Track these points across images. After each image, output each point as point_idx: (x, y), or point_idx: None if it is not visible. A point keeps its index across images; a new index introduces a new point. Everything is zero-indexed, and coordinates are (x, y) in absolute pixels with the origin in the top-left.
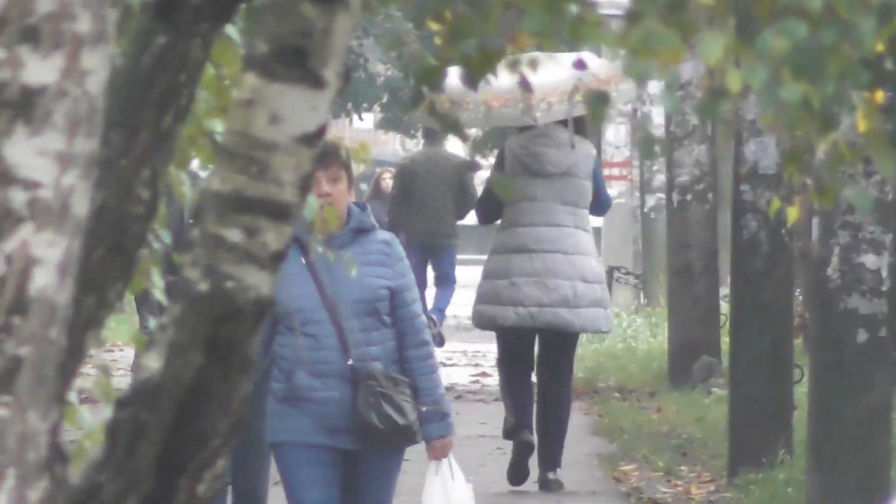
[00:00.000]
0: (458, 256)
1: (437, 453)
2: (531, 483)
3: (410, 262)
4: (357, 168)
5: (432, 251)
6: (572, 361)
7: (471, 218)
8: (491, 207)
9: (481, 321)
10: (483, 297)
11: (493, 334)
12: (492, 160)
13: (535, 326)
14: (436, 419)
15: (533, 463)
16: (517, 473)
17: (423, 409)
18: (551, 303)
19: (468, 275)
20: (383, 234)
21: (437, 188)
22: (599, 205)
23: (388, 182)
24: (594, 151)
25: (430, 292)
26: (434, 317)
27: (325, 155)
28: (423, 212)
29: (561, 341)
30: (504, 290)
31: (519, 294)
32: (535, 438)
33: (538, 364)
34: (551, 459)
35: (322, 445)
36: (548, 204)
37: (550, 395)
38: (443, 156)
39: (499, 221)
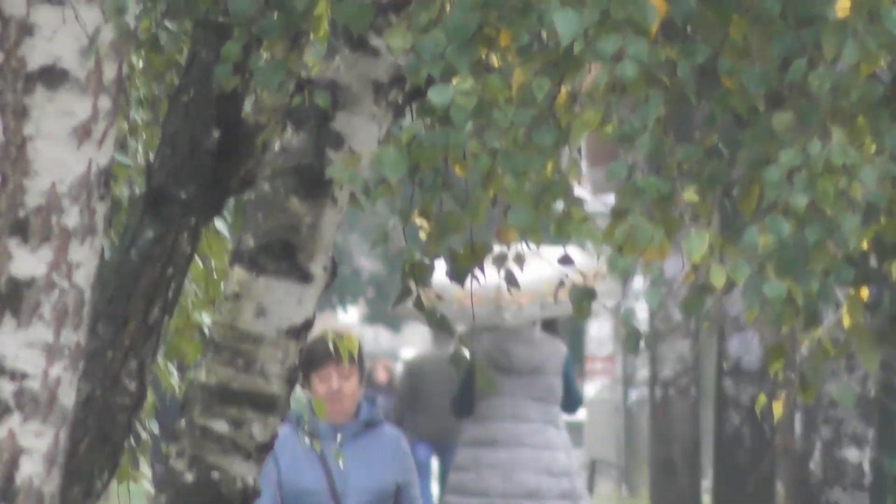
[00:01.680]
0: None
1: None
2: None
3: (417, 457)
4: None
5: (439, 447)
6: None
7: None
8: (466, 402)
9: None
10: (451, 488)
11: None
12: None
13: None
14: None
15: None
16: None
17: None
18: (514, 495)
19: None
20: (392, 429)
21: (445, 388)
22: (570, 401)
23: (380, 374)
24: (564, 349)
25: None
26: None
27: (338, 349)
28: (429, 410)
29: None
30: (471, 483)
31: (485, 486)
32: None
33: None
34: None
35: None
36: (517, 400)
37: None
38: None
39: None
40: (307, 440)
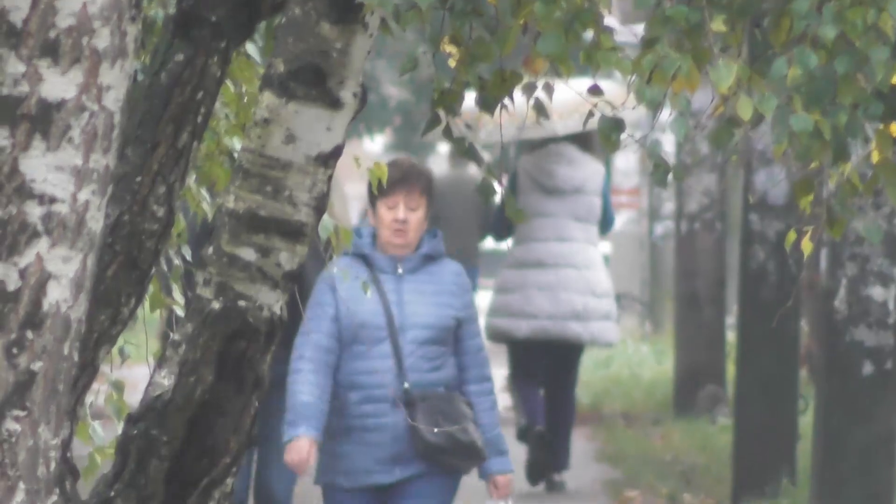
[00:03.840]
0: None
1: (501, 490)
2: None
3: None
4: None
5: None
6: (577, 372)
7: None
8: (505, 224)
9: (495, 334)
10: (497, 311)
11: (501, 358)
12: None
13: (547, 339)
14: (495, 454)
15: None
16: (535, 468)
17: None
18: (563, 315)
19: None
20: (453, 264)
21: (464, 209)
22: (604, 222)
23: None
24: (603, 168)
25: None
26: None
27: (407, 180)
28: (448, 232)
29: (569, 353)
30: (516, 303)
31: (531, 307)
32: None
33: (547, 377)
34: (558, 462)
35: (375, 487)
36: (560, 220)
37: (557, 404)
38: (469, 177)
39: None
40: (367, 273)
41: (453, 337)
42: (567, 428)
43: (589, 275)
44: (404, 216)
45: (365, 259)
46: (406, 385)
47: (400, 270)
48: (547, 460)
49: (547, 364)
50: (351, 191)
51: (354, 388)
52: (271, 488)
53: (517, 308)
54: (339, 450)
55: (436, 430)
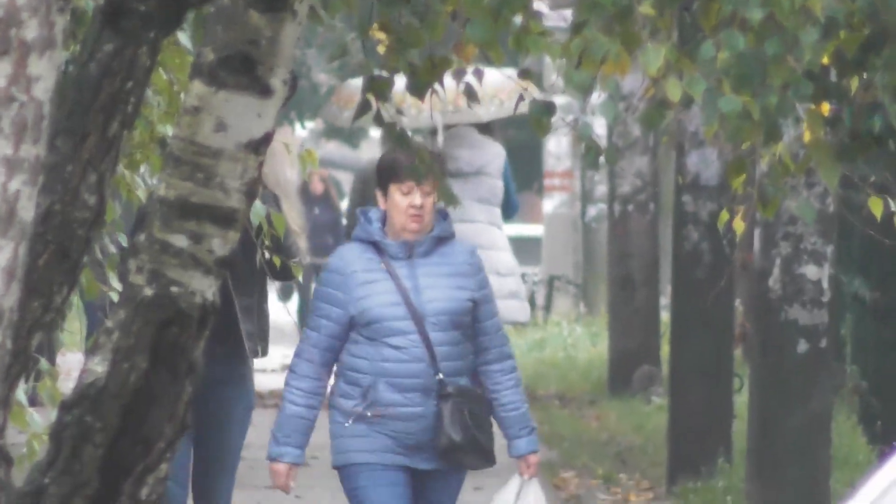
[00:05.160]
0: None
1: (531, 469)
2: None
3: None
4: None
5: None
6: None
7: None
8: None
9: None
10: None
11: None
12: None
13: None
14: (525, 434)
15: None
16: None
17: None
18: None
19: None
20: (465, 244)
21: None
22: (507, 206)
23: (316, 184)
24: (503, 152)
25: None
26: None
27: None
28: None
29: None
30: None
31: None
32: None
33: None
34: None
35: (398, 466)
36: (463, 202)
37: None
38: None
39: None
40: (378, 259)
41: (471, 318)
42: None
43: (492, 254)
44: (421, 201)
45: (375, 246)
46: (440, 376)
47: (412, 255)
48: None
49: None
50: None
51: (384, 375)
52: (211, 494)
53: None
54: (361, 429)
55: (461, 434)
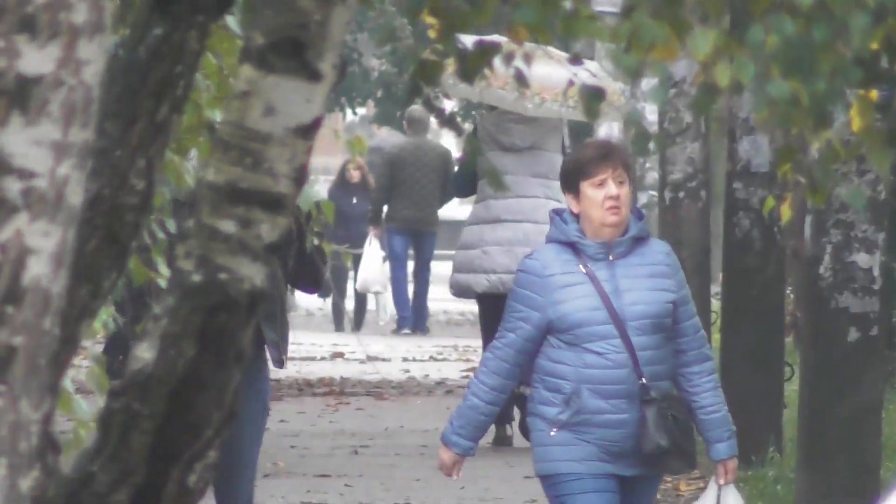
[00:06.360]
0: (439, 251)
1: (731, 474)
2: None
3: (394, 247)
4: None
5: (416, 237)
6: None
7: (454, 212)
8: (467, 182)
9: (457, 289)
10: (458, 266)
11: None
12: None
13: (506, 293)
14: (726, 437)
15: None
16: (525, 426)
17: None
18: None
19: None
20: (661, 243)
21: (425, 175)
22: None
23: (352, 173)
24: (561, 126)
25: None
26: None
27: (610, 155)
28: (410, 198)
29: None
30: (477, 259)
31: (490, 262)
32: (512, 433)
33: None
34: (507, 414)
35: (606, 474)
36: (519, 177)
37: None
38: (429, 145)
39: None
40: (576, 261)
41: (671, 320)
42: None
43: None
44: (616, 191)
45: (572, 247)
46: (643, 380)
47: (611, 256)
48: (507, 443)
49: None
50: (322, 164)
51: (587, 382)
52: (232, 497)
53: (477, 263)
54: (566, 438)
55: (667, 439)
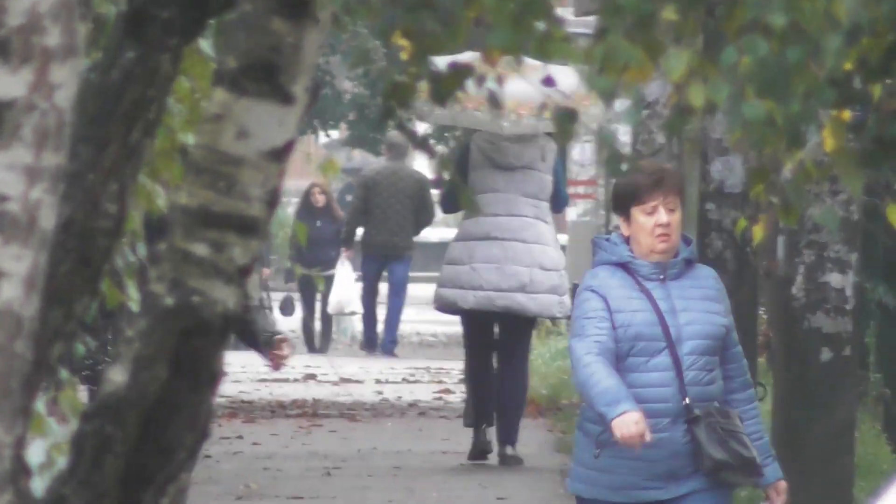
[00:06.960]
0: (412, 273)
1: (781, 496)
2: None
3: (367, 272)
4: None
5: (390, 261)
6: (528, 345)
7: (426, 234)
8: (455, 198)
9: (442, 304)
10: (445, 281)
11: (456, 351)
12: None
13: (493, 310)
14: (770, 461)
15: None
16: (475, 452)
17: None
18: (509, 287)
19: (423, 291)
20: (708, 269)
21: (399, 201)
22: (557, 200)
23: (317, 197)
24: (555, 147)
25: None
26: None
27: (663, 182)
28: (384, 224)
29: (518, 325)
30: (465, 275)
31: (479, 279)
32: (492, 438)
33: (498, 348)
34: (509, 436)
35: (647, 502)
36: (510, 195)
37: (508, 377)
38: (405, 171)
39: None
40: (632, 280)
41: (721, 344)
42: (518, 401)
43: (537, 248)
44: (667, 219)
45: (625, 267)
46: (687, 400)
47: (664, 277)
48: (486, 449)
49: (498, 338)
50: (294, 186)
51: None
52: None
53: (465, 279)
54: (607, 463)
55: (723, 451)
